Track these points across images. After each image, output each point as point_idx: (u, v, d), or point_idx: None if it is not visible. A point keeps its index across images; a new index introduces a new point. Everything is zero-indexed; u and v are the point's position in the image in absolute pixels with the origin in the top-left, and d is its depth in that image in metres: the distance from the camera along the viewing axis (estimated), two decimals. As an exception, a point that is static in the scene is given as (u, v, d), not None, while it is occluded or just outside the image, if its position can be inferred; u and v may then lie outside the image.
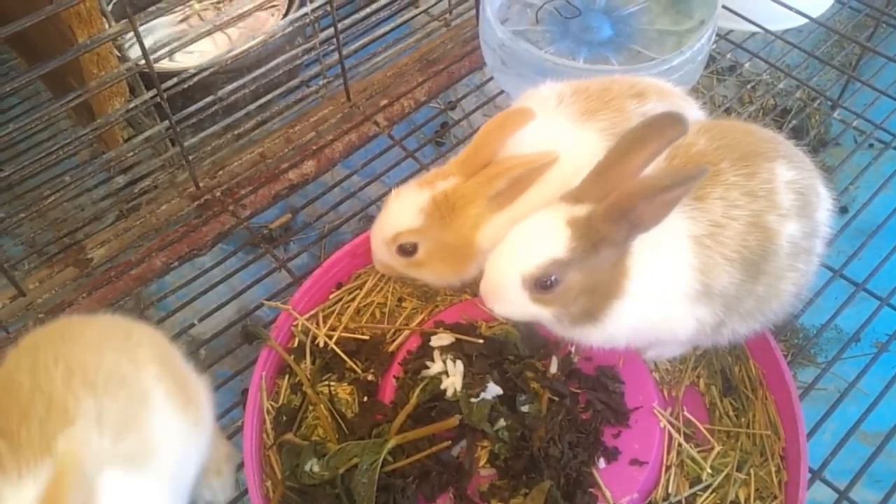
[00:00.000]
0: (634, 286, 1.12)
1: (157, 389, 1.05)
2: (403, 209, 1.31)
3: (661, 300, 1.15)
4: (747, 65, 2.06)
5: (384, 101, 1.90)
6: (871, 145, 1.96)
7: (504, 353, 1.31)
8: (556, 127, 1.31)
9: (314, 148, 1.82)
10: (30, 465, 0.90)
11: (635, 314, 1.15)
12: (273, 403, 1.34)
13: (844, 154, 1.94)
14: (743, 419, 1.31)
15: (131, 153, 1.69)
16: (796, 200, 1.16)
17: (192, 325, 1.55)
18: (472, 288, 1.48)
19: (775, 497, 1.23)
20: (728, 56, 2.04)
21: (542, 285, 1.11)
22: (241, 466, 1.26)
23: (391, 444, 1.18)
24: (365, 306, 1.48)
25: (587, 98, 1.32)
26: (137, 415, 1.00)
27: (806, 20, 2.01)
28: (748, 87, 2.10)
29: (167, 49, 1.53)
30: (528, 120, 1.27)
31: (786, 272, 1.17)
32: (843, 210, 1.84)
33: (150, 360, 1.07)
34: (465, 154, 1.30)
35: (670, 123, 1.11)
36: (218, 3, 2.10)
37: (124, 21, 1.41)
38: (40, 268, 1.64)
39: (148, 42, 1.49)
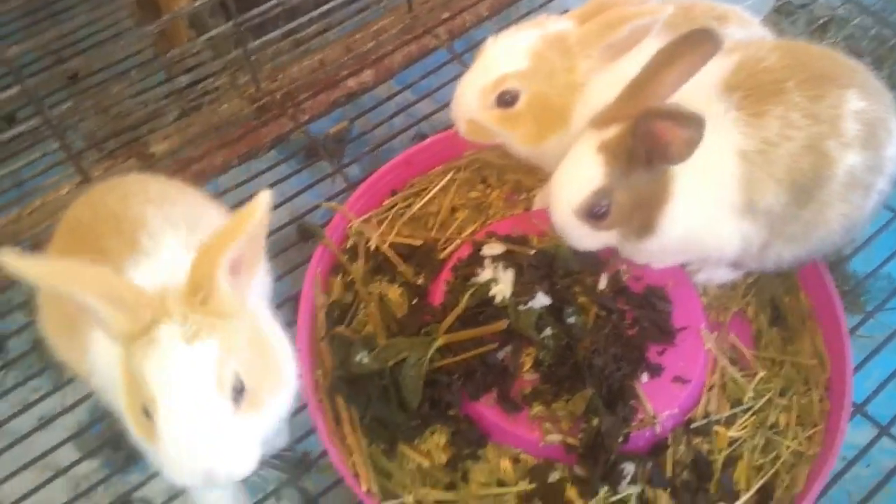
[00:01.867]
0: (680, 188, 1.14)
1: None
2: (510, 50, 1.24)
3: (706, 208, 1.16)
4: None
5: (446, 14, 1.88)
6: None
7: (554, 266, 1.32)
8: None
9: (373, 58, 1.82)
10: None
11: (683, 219, 1.16)
12: (326, 299, 1.37)
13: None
14: (789, 348, 1.32)
15: (194, 53, 1.71)
16: (862, 131, 1.14)
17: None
18: (524, 203, 1.49)
19: (815, 425, 1.23)
20: (802, -11, 1.97)
21: (595, 215, 1.15)
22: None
23: (439, 342, 1.21)
24: (419, 215, 1.50)
25: (672, 14, 1.28)
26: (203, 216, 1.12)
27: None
28: (819, 23, 2.03)
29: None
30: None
31: (837, 202, 1.16)
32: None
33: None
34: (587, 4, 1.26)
35: (704, 39, 1.10)
36: None
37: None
38: (104, 160, 1.68)
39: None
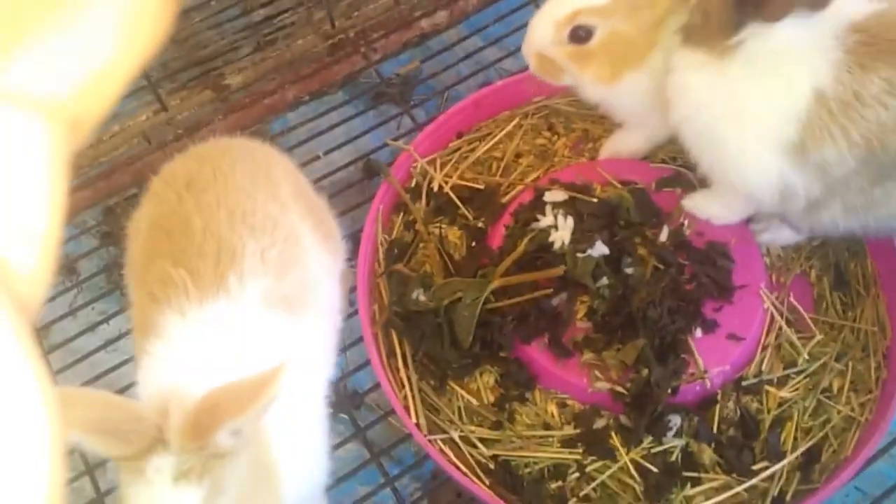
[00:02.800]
0: (731, 71, 1.09)
1: (303, 228, 1.12)
2: None
3: (745, 116, 1.10)
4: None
5: (526, -44, 1.85)
6: None
7: (615, 216, 1.31)
8: None
9: (448, -1, 1.81)
10: (208, 297, 0.99)
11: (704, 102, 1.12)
12: (386, 237, 1.41)
13: None
14: (850, 314, 1.29)
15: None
16: None
17: (318, 158, 1.62)
18: (591, 152, 1.48)
19: (870, 391, 1.22)
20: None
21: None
22: (353, 289, 1.34)
23: (495, 284, 1.23)
24: (483, 159, 1.50)
25: None
26: (293, 255, 1.06)
27: None
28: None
29: None
30: None
31: None
32: None
33: (292, 198, 1.13)
34: None
35: None
36: None
37: None
38: (179, 90, 1.73)
39: None
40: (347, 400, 1.38)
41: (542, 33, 1.22)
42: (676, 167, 1.41)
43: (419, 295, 1.25)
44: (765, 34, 1.05)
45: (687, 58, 1.13)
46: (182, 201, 1.05)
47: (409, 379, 1.23)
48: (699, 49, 1.11)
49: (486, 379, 1.24)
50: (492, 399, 1.23)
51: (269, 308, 1.00)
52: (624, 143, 1.41)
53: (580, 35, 1.19)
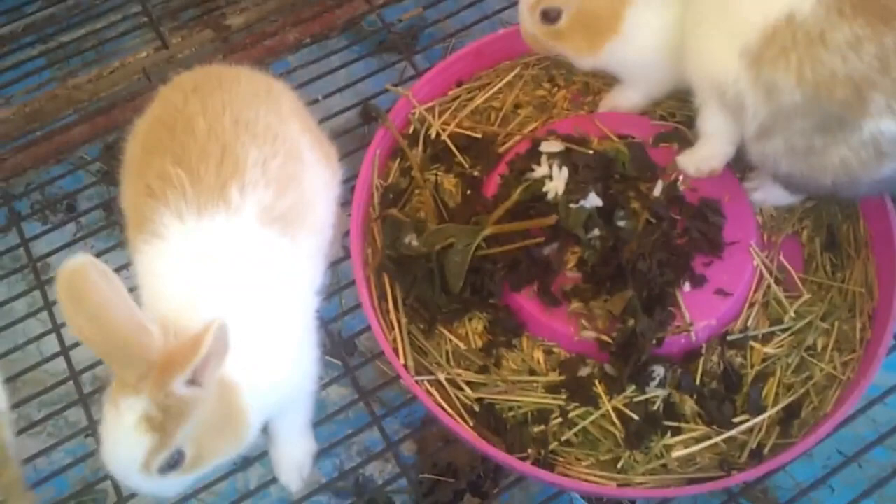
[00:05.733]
0: None
1: (303, 143, 1.13)
2: None
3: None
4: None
5: None
6: None
7: (611, 169, 1.32)
8: None
9: (454, -55, 1.79)
10: (208, 207, 0.99)
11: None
12: (382, 182, 1.41)
13: None
14: (839, 275, 1.30)
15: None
16: None
17: (317, 101, 1.61)
18: (590, 104, 1.48)
19: (854, 351, 1.23)
20: None
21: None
22: (347, 233, 1.35)
23: (487, 231, 1.24)
24: (482, 108, 1.50)
25: None
26: (294, 169, 1.08)
27: None
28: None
29: None
30: None
31: (845, 148, 1.09)
32: None
33: (291, 113, 1.15)
34: None
35: None
36: None
37: None
38: (180, 28, 1.72)
39: None
40: (341, 346, 1.39)
41: (524, 17, 1.32)
42: (675, 123, 1.41)
43: (412, 240, 1.26)
44: None
45: None
46: (188, 102, 1.06)
47: (398, 321, 1.25)
48: None
49: (474, 324, 1.26)
50: (479, 344, 1.24)
51: (265, 226, 1.02)
52: (623, 98, 1.41)
53: (550, 16, 1.28)
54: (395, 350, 1.23)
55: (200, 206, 0.99)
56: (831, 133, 1.09)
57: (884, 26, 1.03)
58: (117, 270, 1.42)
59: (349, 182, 1.38)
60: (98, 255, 1.48)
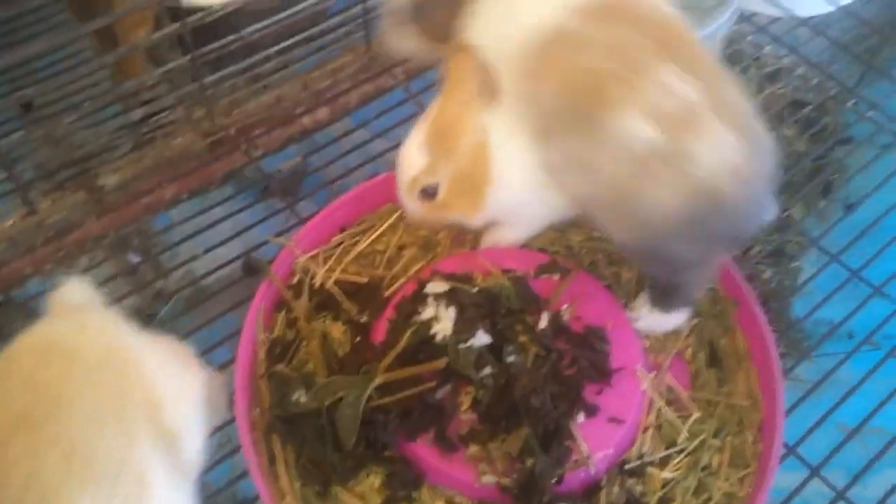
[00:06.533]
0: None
1: (154, 464, 0.91)
2: (410, 152, 1.29)
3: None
4: (768, 48, 2.05)
5: (404, 55, 1.91)
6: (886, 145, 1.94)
7: (496, 304, 1.33)
8: None
9: (329, 95, 1.84)
10: None
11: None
12: (268, 335, 1.37)
13: (858, 146, 1.95)
14: (725, 388, 1.34)
15: (150, 86, 1.72)
16: None
17: (195, 258, 1.58)
18: (472, 241, 1.51)
19: (748, 466, 1.25)
20: (749, 39, 2.03)
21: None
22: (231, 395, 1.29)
23: (377, 381, 1.22)
24: (367, 252, 1.51)
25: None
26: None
27: (833, 8, 2.00)
28: (767, 70, 2.09)
29: (192, -17, 1.55)
30: None
31: None
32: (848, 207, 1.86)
33: (144, 426, 0.93)
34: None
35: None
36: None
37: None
38: (52, 191, 1.68)
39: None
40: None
41: (405, 203, 1.33)
42: (552, 253, 1.45)
43: (301, 396, 1.22)
44: None
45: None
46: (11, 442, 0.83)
47: (291, 486, 1.19)
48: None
49: (371, 480, 1.21)
50: (378, 501, 1.19)
51: None
52: (503, 236, 1.45)
53: (430, 192, 1.29)
54: (290, 517, 1.16)
55: None
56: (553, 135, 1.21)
57: None
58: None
59: (235, 337, 1.34)
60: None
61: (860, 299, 1.56)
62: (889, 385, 1.46)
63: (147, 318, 1.70)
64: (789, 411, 1.35)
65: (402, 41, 1.40)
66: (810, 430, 1.35)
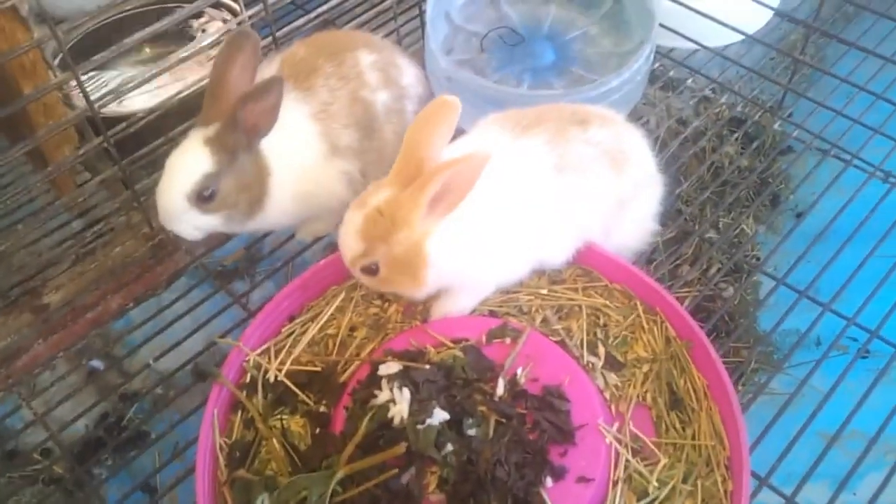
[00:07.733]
0: (275, 165, 1.49)
1: None
2: (347, 236, 1.34)
3: (302, 167, 1.53)
4: (689, 81, 2.11)
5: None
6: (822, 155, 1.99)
7: (451, 377, 1.32)
8: (493, 137, 1.42)
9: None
10: None
11: (288, 187, 1.52)
12: (226, 440, 1.35)
13: (791, 162, 2.00)
14: (689, 430, 1.34)
15: (86, 197, 1.71)
16: (380, 75, 1.61)
17: (149, 365, 1.56)
18: (422, 313, 1.51)
19: (721, 506, 1.25)
20: (672, 73, 2.09)
21: (203, 198, 1.42)
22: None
23: (340, 474, 1.20)
24: (318, 338, 1.50)
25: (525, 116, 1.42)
26: None
27: (743, 36, 2.07)
28: (694, 100, 2.15)
29: (111, 96, 1.55)
30: (453, 110, 1.31)
31: (385, 125, 1.62)
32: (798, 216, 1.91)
33: None
34: (398, 163, 1.32)
35: (244, 39, 1.42)
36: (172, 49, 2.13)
37: (67, 73, 1.44)
38: (-3, 316, 1.65)
39: (111, 85, 1.54)
40: None
41: (353, 273, 1.39)
42: (503, 314, 1.45)
43: (264, 500, 1.20)
44: None
45: None
46: None
47: None
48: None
49: (346, 577, 1.18)
50: None
51: None
52: (452, 304, 1.45)
53: (371, 269, 1.36)
54: None
55: None
56: (374, 130, 1.64)
57: (318, 71, 1.58)
58: None
59: (193, 445, 1.32)
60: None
61: (819, 309, 1.59)
62: (860, 387, 1.47)
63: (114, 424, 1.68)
64: (769, 426, 1.35)
65: None
66: (781, 457, 1.35)
